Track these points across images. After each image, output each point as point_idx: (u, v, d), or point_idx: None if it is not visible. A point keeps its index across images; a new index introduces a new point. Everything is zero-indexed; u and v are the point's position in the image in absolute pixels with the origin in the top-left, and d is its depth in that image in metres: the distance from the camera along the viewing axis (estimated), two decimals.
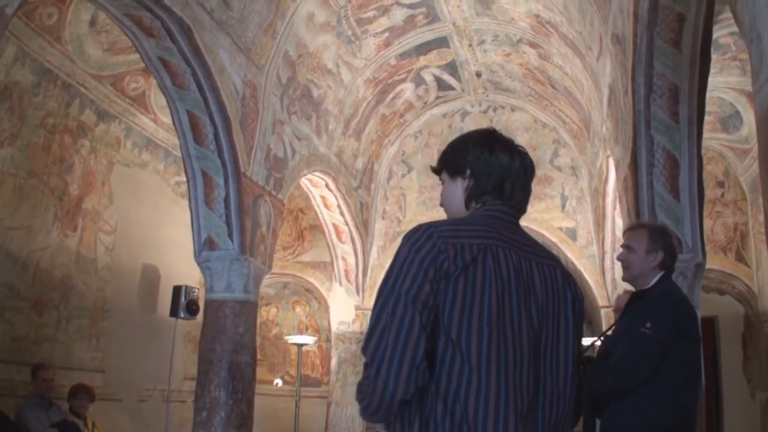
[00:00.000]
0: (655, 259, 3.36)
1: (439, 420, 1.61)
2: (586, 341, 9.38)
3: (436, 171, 2.04)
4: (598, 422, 3.32)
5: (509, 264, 1.73)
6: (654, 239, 3.39)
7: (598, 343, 4.05)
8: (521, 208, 1.95)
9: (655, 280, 3.36)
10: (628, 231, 3.62)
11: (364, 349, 1.68)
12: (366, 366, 1.68)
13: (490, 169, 1.89)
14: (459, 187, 1.95)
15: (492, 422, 1.59)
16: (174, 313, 9.22)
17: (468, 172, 1.92)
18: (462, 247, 1.69)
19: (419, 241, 1.71)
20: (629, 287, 3.68)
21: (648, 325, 3.12)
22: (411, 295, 1.64)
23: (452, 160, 1.98)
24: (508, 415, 1.61)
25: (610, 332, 3.59)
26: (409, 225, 12.15)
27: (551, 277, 1.83)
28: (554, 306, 1.80)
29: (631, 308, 3.39)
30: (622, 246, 3.53)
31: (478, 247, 1.71)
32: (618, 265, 10.65)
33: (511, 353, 1.65)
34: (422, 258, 1.68)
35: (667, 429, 3.12)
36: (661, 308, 3.21)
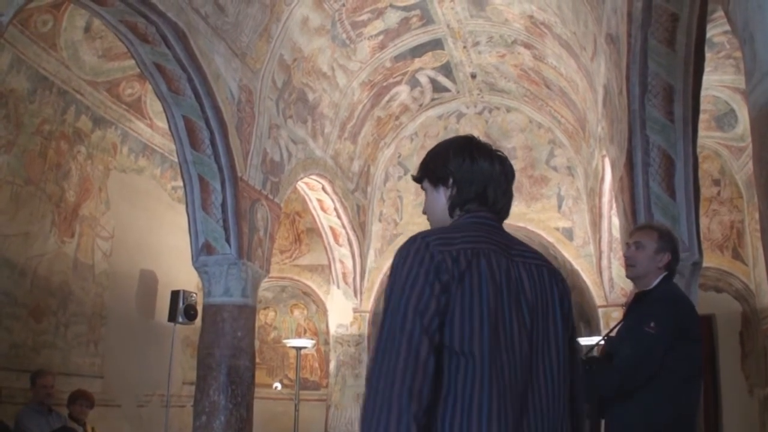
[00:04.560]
0: (662, 260, 3.41)
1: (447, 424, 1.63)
2: (591, 341, 9.36)
3: (417, 180, 2.04)
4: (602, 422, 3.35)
5: (500, 267, 1.76)
6: (663, 240, 3.44)
7: (602, 343, 4.07)
8: (504, 214, 1.97)
9: (657, 281, 3.40)
10: (638, 230, 3.64)
11: (369, 375, 1.64)
12: (369, 389, 1.61)
13: (472, 177, 1.91)
14: (442, 196, 1.96)
15: (486, 427, 1.61)
16: (172, 318, 9.21)
17: (450, 180, 1.93)
18: (457, 254, 1.71)
19: (419, 255, 1.70)
20: (627, 286, 3.72)
21: (652, 324, 3.16)
22: (419, 312, 1.63)
23: (434, 170, 1.98)
24: (500, 420, 1.63)
25: (613, 333, 3.61)
26: (405, 227, 12.17)
27: (539, 277, 1.85)
28: (543, 306, 1.83)
29: (634, 309, 3.43)
30: (630, 243, 3.54)
31: (472, 251, 1.73)
32: (615, 264, 10.61)
33: (506, 357, 1.68)
34: (426, 272, 1.67)
35: (669, 427, 3.16)
36: (664, 308, 3.25)
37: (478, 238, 1.79)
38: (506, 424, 1.63)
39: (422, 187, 2.03)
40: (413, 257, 1.70)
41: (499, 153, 1.98)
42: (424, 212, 2.05)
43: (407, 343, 1.59)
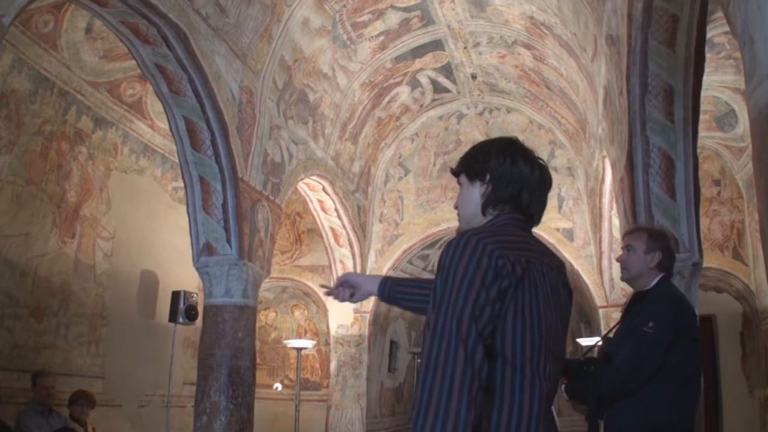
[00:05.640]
0: (653, 259, 3.42)
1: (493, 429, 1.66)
2: (590, 342, 9.35)
3: (455, 173, 2.05)
4: (601, 423, 3.35)
5: (545, 276, 1.79)
6: (652, 240, 3.46)
7: (600, 343, 4.08)
8: (536, 220, 1.98)
9: (655, 281, 3.41)
10: (628, 233, 3.67)
11: (421, 379, 1.58)
12: (422, 394, 1.56)
13: (509, 177, 1.91)
14: (476, 191, 1.96)
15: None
16: (173, 318, 9.21)
17: (487, 177, 1.93)
18: (514, 261, 1.70)
19: (475, 256, 1.66)
20: (627, 287, 3.72)
21: (651, 324, 3.17)
22: (475, 318, 1.60)
23: (473, 164, 1.98)
24: (546, 424, 1.70)
25: (611, 334, 3.62)
26: (406, 228, 12.17)
27: (563, 282, 1.91)
28: (563, 307, 1.90)
29: (632, 310, 3.44)
30: (623, 247, 3.57)
31: (526, 259, 1.74)
32: (615, 265, 10.64)
33: (551, 365, 1.75)
34: (483, 275, 1.64)
35: (669, 428, 3.16)
36: (662, 308, 3.26)
37: (527, 245, 1.82)
38: (550, 428, 1.71)
39: (458, 182, 2.04)
40: (469, 258, 1.66)
41: (541, 161, 1.99)
42: (456, 207, 2.06)
43: (464, 349, 1.56)
